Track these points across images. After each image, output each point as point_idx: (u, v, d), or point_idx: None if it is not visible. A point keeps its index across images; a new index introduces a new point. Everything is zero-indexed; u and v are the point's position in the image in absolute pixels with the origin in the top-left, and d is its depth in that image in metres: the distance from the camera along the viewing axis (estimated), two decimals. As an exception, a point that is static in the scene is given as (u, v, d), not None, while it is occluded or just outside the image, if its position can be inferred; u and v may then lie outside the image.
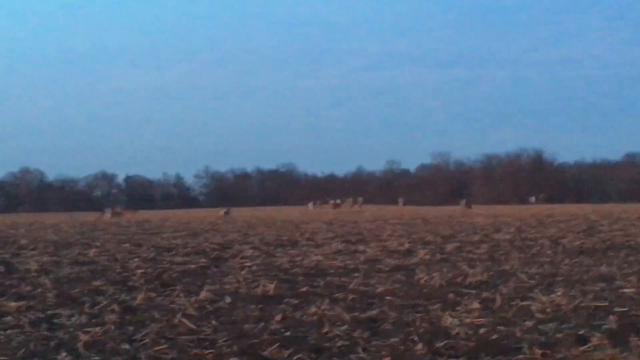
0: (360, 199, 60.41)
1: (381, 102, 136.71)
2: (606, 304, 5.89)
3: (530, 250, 10.65)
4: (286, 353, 4.44)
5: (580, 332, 4.88)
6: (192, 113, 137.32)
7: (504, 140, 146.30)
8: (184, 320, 5.38)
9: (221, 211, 39.41)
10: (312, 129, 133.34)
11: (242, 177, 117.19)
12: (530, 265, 8.73)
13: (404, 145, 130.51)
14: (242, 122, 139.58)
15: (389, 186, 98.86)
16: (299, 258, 9.98)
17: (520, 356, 4.34)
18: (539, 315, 5.48)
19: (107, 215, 37.66)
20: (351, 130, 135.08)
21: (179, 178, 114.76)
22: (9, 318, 5.68)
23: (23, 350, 4.64)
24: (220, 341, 4.78)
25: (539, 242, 12.28)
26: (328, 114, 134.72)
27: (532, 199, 72.44)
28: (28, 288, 7.29)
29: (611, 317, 5.31)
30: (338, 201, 58.56)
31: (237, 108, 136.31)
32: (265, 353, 4.47)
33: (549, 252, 10.48)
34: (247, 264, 9.17)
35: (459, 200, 53.10)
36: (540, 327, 5.09)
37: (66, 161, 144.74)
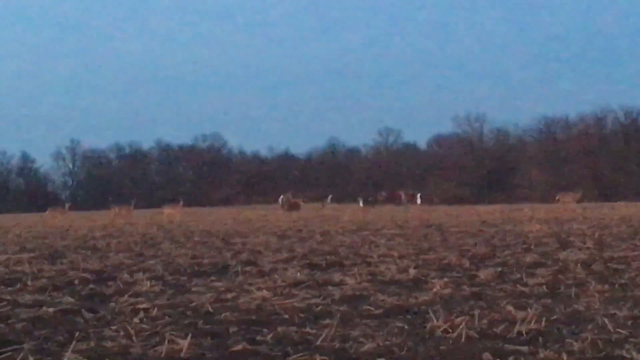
0: (383, 194, 41.50)
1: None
2: None
3: (619, 279, 7.76)
4: None
5: None
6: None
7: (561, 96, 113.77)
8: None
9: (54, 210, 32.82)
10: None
11: (133, 158, 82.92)
12: (620, 304, 6.44)
13: (397, 108, 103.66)
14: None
15: (385, 171, 72.04)
16: (230, 295, 7.25)
17: None
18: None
19: None
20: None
21: (25, 160, 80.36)
22: None
23: None
24: None
25: (633, 266, 8.76)
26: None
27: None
28: None
29: None
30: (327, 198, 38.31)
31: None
32: None
33: (650, 281, 7.74)
34: (144, 306, 6.75)
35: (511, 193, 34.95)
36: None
37: None
